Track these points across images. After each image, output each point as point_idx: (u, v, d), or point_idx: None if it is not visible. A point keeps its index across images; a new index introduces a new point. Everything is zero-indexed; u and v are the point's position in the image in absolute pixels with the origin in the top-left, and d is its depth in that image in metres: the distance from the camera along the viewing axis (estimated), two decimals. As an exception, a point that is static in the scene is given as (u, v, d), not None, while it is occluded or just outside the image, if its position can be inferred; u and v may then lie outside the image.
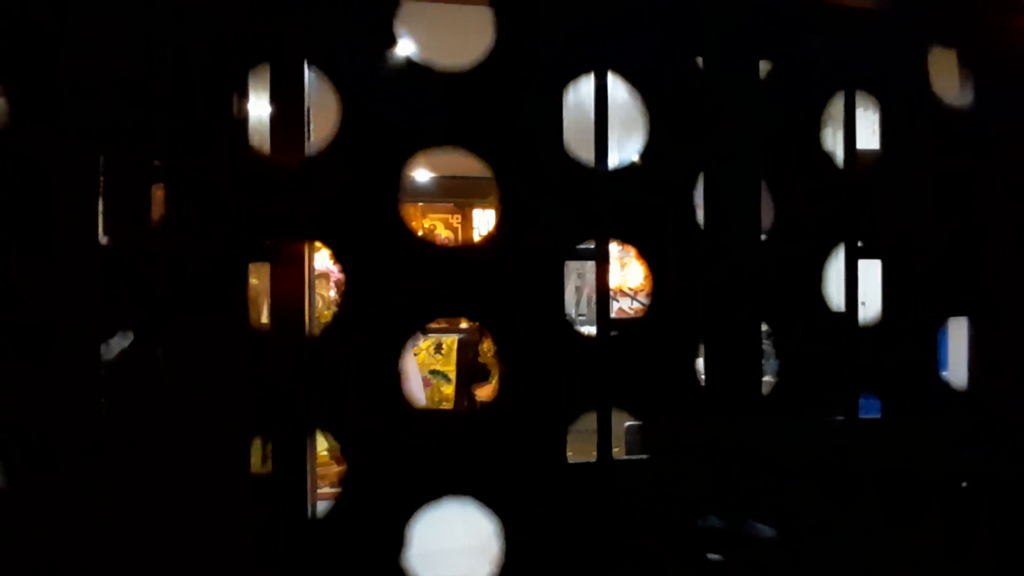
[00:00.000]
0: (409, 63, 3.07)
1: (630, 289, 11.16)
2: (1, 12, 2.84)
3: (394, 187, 3.05)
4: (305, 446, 3.10)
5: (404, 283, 3.06)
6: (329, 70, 3.02)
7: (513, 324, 3.13)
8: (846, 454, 3.32)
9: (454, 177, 10.76)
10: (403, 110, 3.06)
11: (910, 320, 3.43)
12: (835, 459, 3.31)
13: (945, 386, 3.50)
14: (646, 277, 11.03)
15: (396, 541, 3.03)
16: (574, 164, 3.18)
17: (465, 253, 3.45)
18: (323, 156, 3.02)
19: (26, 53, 2.86)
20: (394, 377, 3.11)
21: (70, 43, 2.87)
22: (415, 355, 9.51)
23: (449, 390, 10.40)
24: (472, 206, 12.29)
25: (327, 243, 3.07)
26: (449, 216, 12.29)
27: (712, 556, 3.24)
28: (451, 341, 10.45)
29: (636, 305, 11.03)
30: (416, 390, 8.99)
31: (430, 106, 3.08)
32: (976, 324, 3.54)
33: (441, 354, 10.36)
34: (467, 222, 12.55)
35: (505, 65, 3.11)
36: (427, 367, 10.20)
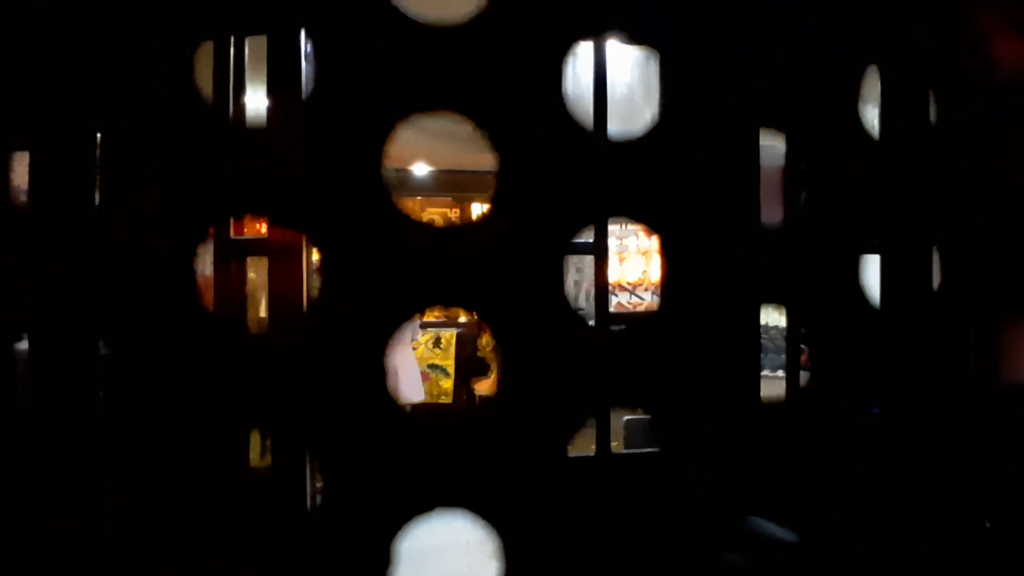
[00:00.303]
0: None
1: (628, 283, 11.14)
2: (1, 12, 2.83)
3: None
4: (306, 445, 3.10)
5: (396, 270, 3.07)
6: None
7: (513, 314, 3.14)
8: (846, 454, 3.33)
9: (453, 171, 10.72)
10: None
11: (910, 319, 3.43)
12: (835, 459, 3.31)
13: (945, 386, 3.50)
14: (644, 272, 11.04)
15: (382, 557, 3.03)
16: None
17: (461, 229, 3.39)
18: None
19: (26, 53, 2.86)
20: (381, 376, 3.12)
21: (70, 43, 2.87)
22: (414, 349, 9.49)
23: (448, 384, 10.38)
24: (471, 200, 12.26)
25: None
26: (447, 210, 12.26)
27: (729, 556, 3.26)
28: (449, 335, 10.43)
29: (635, 299, 11.01)
30: (414, 385, 8.97)
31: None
32: (976, 324, 3.54)
33: (440, 348, 10.34)
34: (466, 216, 12.52)
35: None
36: (425, 361, 10.17)
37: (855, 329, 3.42)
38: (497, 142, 3.09)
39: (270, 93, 3.09)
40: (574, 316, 3.27)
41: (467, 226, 3.27)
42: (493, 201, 3.17)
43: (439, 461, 3.10)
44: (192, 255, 3.00)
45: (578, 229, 3.21)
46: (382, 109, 3.04)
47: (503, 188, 3.11)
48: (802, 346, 3.49)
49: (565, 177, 3.15)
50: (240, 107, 3.06)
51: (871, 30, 3.39)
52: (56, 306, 2.92)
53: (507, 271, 3.09)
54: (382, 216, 3.03)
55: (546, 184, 3.12)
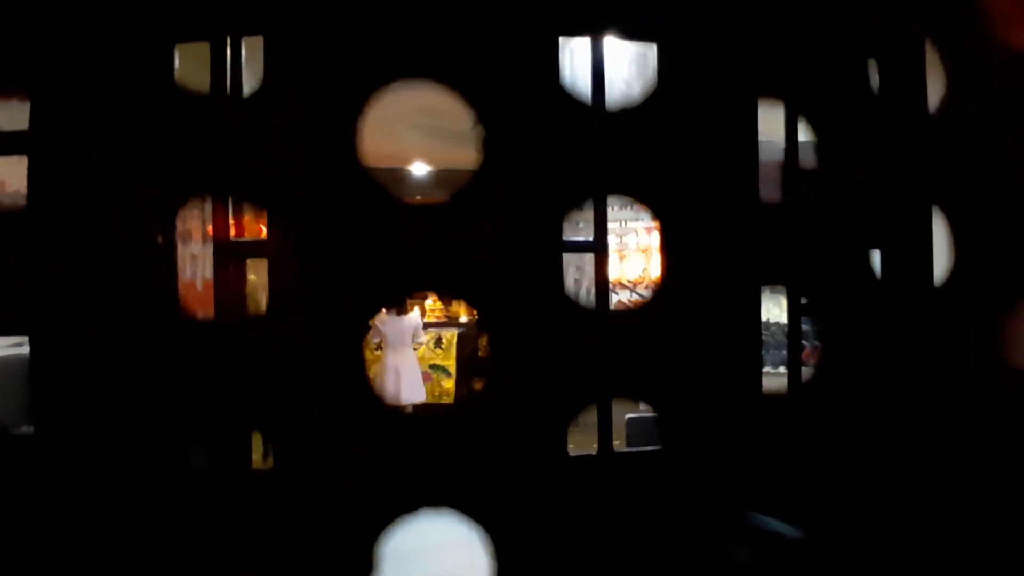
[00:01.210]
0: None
1: (629, 281, 11.11)
2: (1, 12, 2.84)
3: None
4: (305, 445, 3.10)
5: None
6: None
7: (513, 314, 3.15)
8: (846, 454, 3.32)
9: (452, 170, 10.68)
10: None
11: (910, 320, 3.43)
12: (835, 459, 3.31)
13: (945, 386, 3.50)
14: (645, 269, 11.03)
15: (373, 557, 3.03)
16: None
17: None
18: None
19: (26, 53, 2.86)
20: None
21: (70, 43, 2.87)
22: (415, 350, 9.48)
23: (449, 384, 10.34)
24: (471, 199, 12.16)
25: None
26: (448, 209, 12.18)
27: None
28: (451, 335, 10.40)
29: (635, 297, 10.99)
30: (416, 385, 8.96)
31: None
32: (976, 324, 3.54)
33: (441, 348, 10.30)
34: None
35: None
36: (427, 361, 10.14)
37: (856, 329, 3.42)
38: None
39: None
40: (570, 302, 3.27)
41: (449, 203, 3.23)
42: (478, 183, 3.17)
43: (432, 462, 3.10)
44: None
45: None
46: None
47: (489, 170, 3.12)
48: (804, 342, 3.50)
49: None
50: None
51: (871, 28, 3.39)
52: (56, 306, 2.92)
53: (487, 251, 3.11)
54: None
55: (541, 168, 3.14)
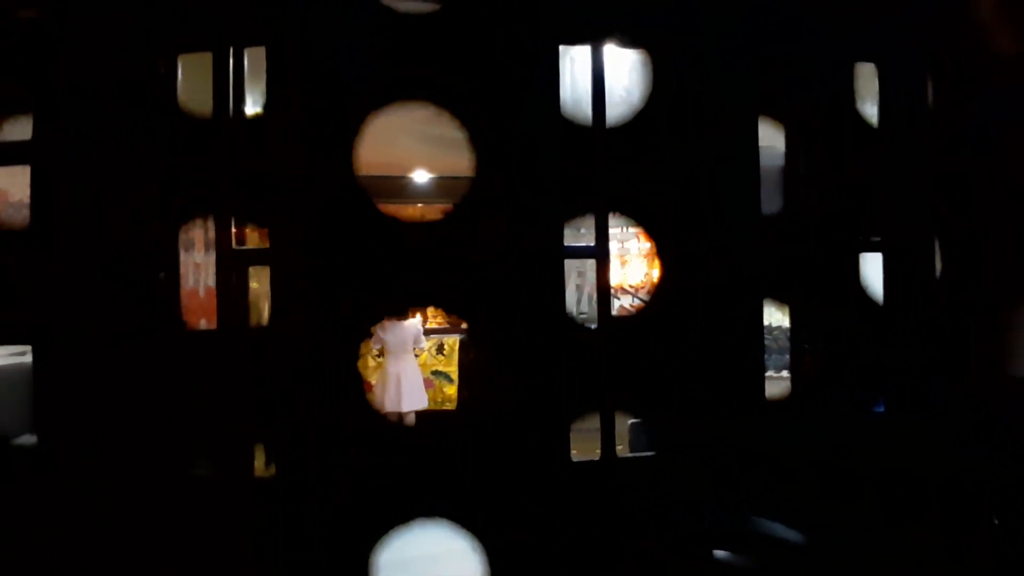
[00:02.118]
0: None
1: (631, 286, 11.11)
2: (1, 12, 2.85)
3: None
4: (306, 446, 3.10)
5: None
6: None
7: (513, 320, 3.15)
8: (846, 454, 3.32)
9: (453, 177, 10.68)
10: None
11: (910, 320, 3.43)
12: (835, 459, 3.30)
13: (945, 386, 3.49)
14: (647, 274, 11.03)
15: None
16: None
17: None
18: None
19: (26, 53, 2.87)
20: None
21: (70, 43, 2.88)
22: (416, 356, 9.45)
23: (451, 390, 10.32)
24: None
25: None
26: (449, 216, 12.15)
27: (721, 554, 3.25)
28: (452, 342, 10.37)
29: (637, 302, 10.99)
30: (417, 392, 8.93)
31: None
32: (976, 324, 3.54)
33: (443, 355, 10.28)
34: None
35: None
36: (429, 368, 10.13)
37: (855, 329, 3.42)
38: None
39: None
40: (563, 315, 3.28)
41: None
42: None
43: (432, 464, 3.10)
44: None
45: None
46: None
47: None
48: (807, 347, 3.50)
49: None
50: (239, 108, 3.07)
51: (870, 29, 3.39)
52: (57, 309, 2.92)
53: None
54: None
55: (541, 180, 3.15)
